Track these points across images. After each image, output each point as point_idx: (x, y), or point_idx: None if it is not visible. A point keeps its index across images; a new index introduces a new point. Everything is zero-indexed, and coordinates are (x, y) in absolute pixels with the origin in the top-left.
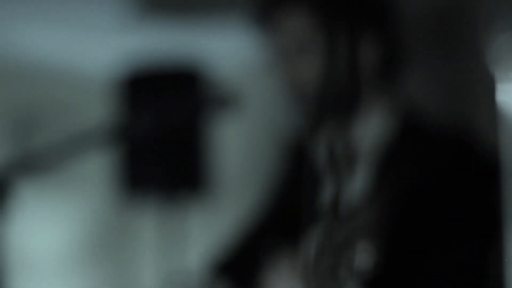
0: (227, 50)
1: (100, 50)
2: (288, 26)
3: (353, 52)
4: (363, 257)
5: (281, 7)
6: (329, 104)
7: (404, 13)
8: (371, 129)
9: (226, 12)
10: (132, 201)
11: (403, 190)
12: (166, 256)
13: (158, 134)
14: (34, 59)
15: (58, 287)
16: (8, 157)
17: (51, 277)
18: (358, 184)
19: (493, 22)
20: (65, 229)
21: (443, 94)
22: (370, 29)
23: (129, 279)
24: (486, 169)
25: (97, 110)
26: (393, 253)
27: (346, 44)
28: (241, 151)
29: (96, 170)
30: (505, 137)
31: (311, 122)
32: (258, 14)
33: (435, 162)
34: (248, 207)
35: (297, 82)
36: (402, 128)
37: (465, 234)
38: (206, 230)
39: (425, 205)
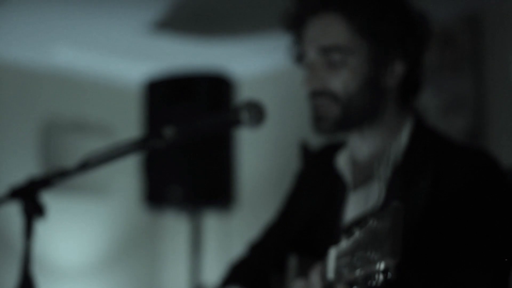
0: (252, 56)
1: (126, 62)
2: (322, 34)
3: (382, 71)
4: (381, 272)
5: (314, 16)
6: (353, 117)
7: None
8: (391, 141)
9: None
10: (157, 213)
11: (420, 202)
12: (190, 268)
13: (183, 144)
14: (72, 71)
15: None
16: (37, 168)
17: (76, 285)
18: (377, 195)
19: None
20: (91, 241)
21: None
22: (400, 46)
23: None
24: (503, 181)
25: (125, 117)
26: (410, 268)
27: (376, 63)
28: (266, 162)
29: (123, 182)
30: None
31: (327, 132)
32: (290, 22)
33: (452, 173)
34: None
35: (322, 90)
36: (419, 140)
37: (482, 250)
38: (230, 243)
39: (442, 217)
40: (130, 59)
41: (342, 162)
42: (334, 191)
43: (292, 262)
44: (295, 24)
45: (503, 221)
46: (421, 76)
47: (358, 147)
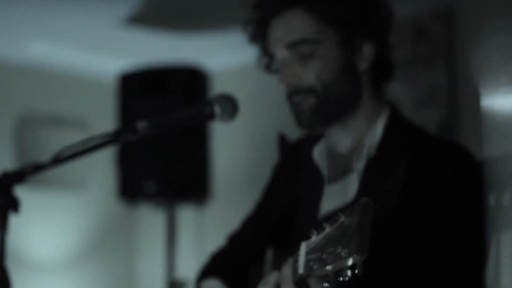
0: (226, 50)
1: (100, 56)
2: (287, 31)
3: (352, 56)
4: (349, 268)
5: (276, 17)
6: (332, 106)
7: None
8: (365, 130)
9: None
10: (132, 207)
11: (395, 195)
12: (165, 261)
13: (157, 137)
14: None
15: (58, 286)
16: (12, 162)
17: (51, 278)
18: (352, 188)
19: (480, 27)
20: (67, 235)
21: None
22: (365, 28)
23: (129, 283)
24: (472, 173)
25: (99, 111)
26: (383, 262)
27: (346, 48)
28: (240, 155)
29: (98, 176)
30: (488, 143)
31: (310, 126)
32: (256, 20)
33: (427, 165)
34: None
35: (297, 86)
36: (394, 132)
37: (457, 243)
38: (205, 236)
39: (417, 210)
40: (104, 53)
41: (317, 154)
42: (312, 184)
43: (269, 255)
44: (259, 32)
45: (478, 214)
46: (390, 58)
47: (337, 139)
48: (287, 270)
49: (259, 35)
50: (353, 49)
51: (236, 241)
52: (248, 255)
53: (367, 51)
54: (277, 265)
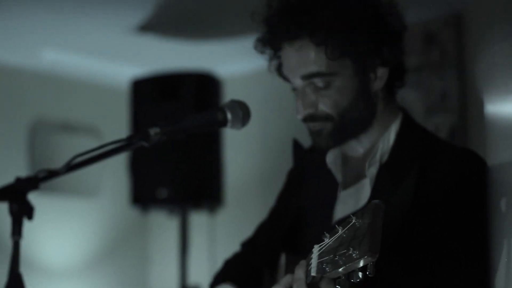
0: (236, 56)
1: (113, 63)
2: (301, 63)
3: (367, 80)
4: (360, 270)
5: (289, 43)
6: (348, 129)
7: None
8: (378, 137)
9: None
10: (145, 213)
11: (406, 200)
12: (178, 267)
13: (169, 143)
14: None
15: None
16: (25, 168)
17: (65, 284)
18: (365, 193)
19: (490, 33)
20: (81, 241)
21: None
22: (378, 56)
23: None
24: (485, 179)
25: (111, 117)
26: (395, 264)
27: (361, 76)
28: (253, 161)
29: (112, 183)
30: (498, 149)
31: (327, 148)
32: (266, 45)
33: (439, 170)
34: (260, 220)
35: (312, 115)
36: (406, 137)
37: (467, 247)
38: (217, 242)
39: (428, 214)
40: (116, 60)
41: (331, 159)
42: (325, 189)
43: (282, 260)
44: (271, 47)
45: (487, 219)
46: (403, 70)
47: (351, 147)
48: (300, 272)
49: (272, 55)
50: (368, 74)
51: (250, 246)
52: (262, 260)
53: (381, 73)
54: (290, 269)
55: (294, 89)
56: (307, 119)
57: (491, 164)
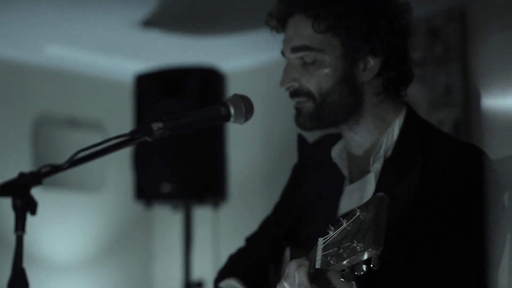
0: (240, 51)
1: (116, 59)
2: (294, 35)
3: (355, 67)
4: (364, 262)
5: (291, 17)
6: (328, 114)
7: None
8: (378, 133)
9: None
10: (149, 208)
11: (410, 194)
12: (182, 262)
13: (174, 137)
14: (63, 67)
15: (76, 286)
16: (29, 163)
17: (69, 279)
18: (369, 188)
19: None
20: (85, 236)
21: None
22: (367, 42)
23: (146, 283)
24: (483, 173)
25: (115, 112)
26: (399, 257)
27: (349, 60)
28: (256, 156)
29: (116, 177)
30: (493, 142)
31: (306, 128)
32: (274, 25)
33: (442, 164)
34: (263, 215)
35: (295, 89)
36: (410, 132)
37: (470, 240)
38: (221, 236)
39: (431, 208)
40: (121, 55)
41: (336, 154)
42: (331, 183)
43: (287, 255)
44: (279, 27)
45: (488, 213)
46: (405, 69)
47: (352, 141)
48: (304, 261)
49: (278, 29)
50: (357, 60)
51: (255, 241)
52: (267, 255)
53: (371, 63)
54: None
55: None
56: (291, 93)
57: (497, 157)
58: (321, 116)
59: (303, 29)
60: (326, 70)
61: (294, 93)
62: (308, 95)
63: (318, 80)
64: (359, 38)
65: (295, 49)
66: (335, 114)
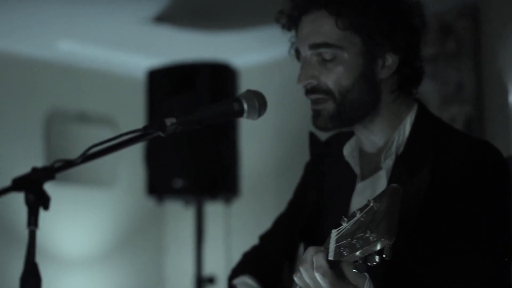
0: (252, 47)
1: (128, 54)
2: (312, 32)
3: (374, 64)
4: (377, 253)
5: (306, 14)
6: (349, 112)
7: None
8: (391, 131)
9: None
10: (161, 203)
11: (422, 191)
12: (194, 257)
13: (186, 132)
14: (74, 63)
15: (88, 281)
16: (41, 158)
17: (81, 274)
18: (381, 184)
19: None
20: (97, 231)
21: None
22: (388, 40)
23: (158, 278)
24: (500, 170)
25: (127, 107)
26: (411, 253)
27: (368, 57)
28: (268, 152)
29: (128, 173)
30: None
31: (325, 129)
32: (286, 23)
33: (454, 161)
34: (275, 210)
35: (314, 87)
36: (421, 129)
37: (482, 236)
38: (233, 232)
39: (443, 204)
40: (132, 51)
41: (348, 152)
42: (343, 180)
43: (301, 252)
44: (291, 25)
45: (504, 210)
46: (418, 66)
47: (365, 140)
48: (319, 248)
49: (290, 27)
50: (376, 58)
51: (269, 239)
52: (281, 252)
53: (390, 61)
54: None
55: (301, 59)
56: (308, 91)
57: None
58: (342, 115)
59: (322, 26)
60: (346, 68)
61: (311, 90)
62: (327, 92)
63: (337, 77)
64: (379, 35)
65: (314, 46)
66: (355, 112)
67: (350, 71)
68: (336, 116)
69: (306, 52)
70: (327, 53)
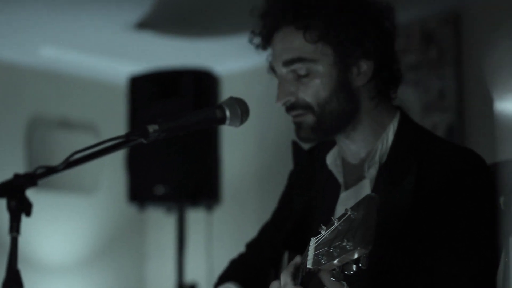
0: (234, 54)
1: (110, 61)
2: (284, 48)
3: (348, 73)
4: (353, 261)
5: (278, 31)
6: (329, 123)
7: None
8: (373, 139)
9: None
10: (143, 210)
11: (405, 199)
12: (176, 264)
13: (168, 139)
14: (57, 69)
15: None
16: (22, 164)
17: (62, 280)
18: (364, 193)
19: (489, 30)
20: (79, 237)
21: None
22: (359, 47)
23: (139, 285)
24: (483, 177)
25: (109, 114)
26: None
27: (342, 66)
28: (250, 159)
29: (109, 180)
30: (502, 147)
31: (307, 140)
32: (261, 31)
33: (437, 168)
34: (257, 218)
35: (293, 103)
36: (404, 137)
37: (466, 243)
38: (214, 239)
39: (427, 212)
40: (114, 57)
41: (331, 161)
42: (327, 190)
43: (285, 259)
44: (265, 44)
45: (487, 217)
46: (395, 69)
47: (347, 149)
48: (285, 277)
49: (265, 47)
50: (349, 66)
51: (254, 247)
52: (266, 260)
53: (364, 67)
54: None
55: (277, 77)
56: (288, 108)
57: (494, 161)
58: (322, 126)
59: (292, 41)
60: (321, 80)
61: (291, 107)
62: (306, 107)
63: (314, 91)
64: (350, 43)
65: (287, 63)
66: (336, 121)
67: (326, 82)
68: (317, 128)
69: (281, 70)
70: (301, 69)
